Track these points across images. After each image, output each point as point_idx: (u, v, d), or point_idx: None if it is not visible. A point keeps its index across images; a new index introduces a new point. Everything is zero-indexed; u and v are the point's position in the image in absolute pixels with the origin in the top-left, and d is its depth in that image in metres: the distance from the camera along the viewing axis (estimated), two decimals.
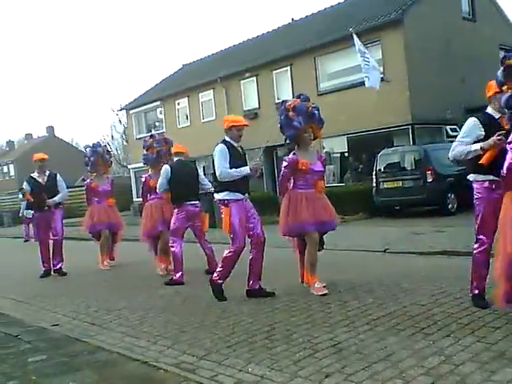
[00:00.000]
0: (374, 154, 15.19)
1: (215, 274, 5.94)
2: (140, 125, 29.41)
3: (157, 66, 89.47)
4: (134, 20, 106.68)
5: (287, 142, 6.17)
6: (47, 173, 9.32)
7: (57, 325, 5.38)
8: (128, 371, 3.85)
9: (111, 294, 7.00)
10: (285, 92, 20.54)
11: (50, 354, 4.36)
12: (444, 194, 13.24)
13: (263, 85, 21.44)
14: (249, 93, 22.22)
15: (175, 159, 7.72)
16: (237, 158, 5.83)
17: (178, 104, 25.88)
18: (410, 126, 17.01)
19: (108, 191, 9.83)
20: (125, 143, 40.71)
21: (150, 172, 8.59)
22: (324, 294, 5.60)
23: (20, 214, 18.67)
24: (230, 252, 5.79)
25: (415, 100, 16.78)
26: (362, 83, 15.43)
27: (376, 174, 14.55)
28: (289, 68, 20.37)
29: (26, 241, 18.32)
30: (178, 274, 7.25)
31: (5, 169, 59.54)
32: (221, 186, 5.78)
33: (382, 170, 14.55)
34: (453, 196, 13.31)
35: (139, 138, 28.39)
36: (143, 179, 8.45)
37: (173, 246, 7.36)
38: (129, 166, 30.82)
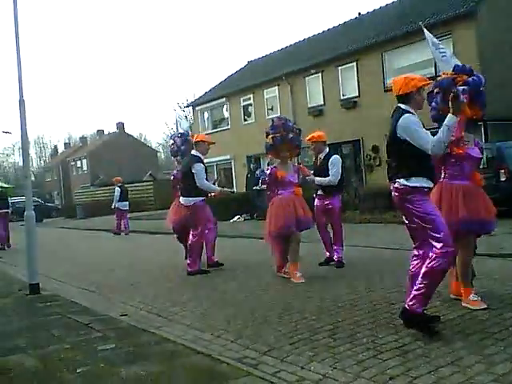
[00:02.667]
0: None
1: (411, 302, 4.17)
2: (206, 121, 29.85)
3: (223, 63, 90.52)
4: (202, 19, 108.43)
5: None
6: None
7: (125, 315, 5.56)
8: (192, 363, 3.92)
9: (177, 286, 7.16)
10: (350, 88, 20.29)
11: (119, 343, 4.51)
12: None
13: (328, 81, 21.25)
14: (313, 89, 22.08)
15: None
16: None
17: (243, 101, 26.07)
18: (482, 123, 16.36)
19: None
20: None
21: (275, 163, 7.52)
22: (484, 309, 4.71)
23: (112, 207, 18.50)
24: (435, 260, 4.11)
25: (488, 96, 15.92)
26: (431, 78, 14.96)
27: None
28: (355, 64, 20.07)
29: (115, 234, 17.84)
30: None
31: (78, 163, 62.08)
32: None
33: None
34: None
35: (205, 135, 28.86)
36: (268, 171, 7.28)
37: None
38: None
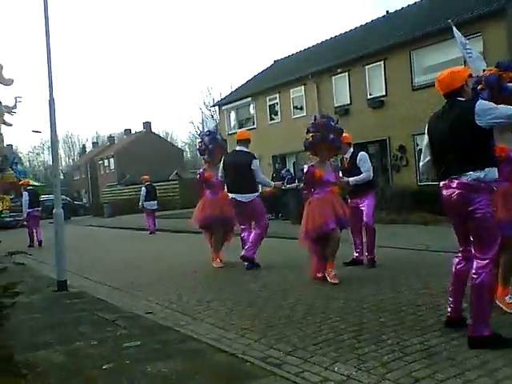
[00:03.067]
0: None
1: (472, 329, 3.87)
2: (232, 121, 29.92)
3: (249, 62, 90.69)
4: (228, 18, 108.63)
5: None
6: None
7: (150, 313, 5.62)
8: (216, 362, 3.94)
9: (202, 285, 7.20)
10: (377, 87, 20.09)
11: (144, 341, 4.56)
12: None
13: (355, 80, 21.07)
14: (340, 89, 21.92)
15: None
16: None
17: (269, 100, 26.05)
18: None
19: (221, 183, 8.97)
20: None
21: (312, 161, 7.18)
22: None
23: (139, 206, 18.20)
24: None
25: None
26: None
27: None
28: (382, 63, 19.85)
29: (151, 233, 17.56)
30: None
31: (105, 162, 62.88)
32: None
33: None
34: None
35: (231, 134, 28.96)
36: (305, 169, 6.95)
37: None
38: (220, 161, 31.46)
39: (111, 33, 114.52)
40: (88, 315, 5.73)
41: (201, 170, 9.32)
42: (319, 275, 6.83)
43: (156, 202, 18.25)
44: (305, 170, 6.93)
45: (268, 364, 3.78)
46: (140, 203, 18.06)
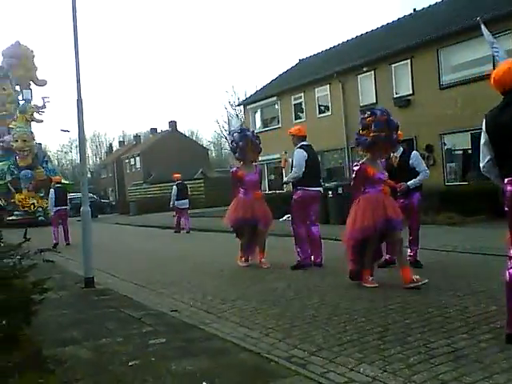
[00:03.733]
0: None
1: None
2: (257, 120, 29.93)
3: (274, 61, 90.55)
4: (254, 18, 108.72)
5: None
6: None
7: (175, 311, 5.65)
8: (240, 360, 3.94)
9: (227, 284, 7.22)
10: (404, 86, 19.87)
11: (169, 338, 4.59)
12: None
13: (381, 79, 20.88)
14: (366, 88, 21.75)
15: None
16: None
17: (294, 99, 25.99)
18: None
19: (255, 182, 8.85)
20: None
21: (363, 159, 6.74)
22: None
23: (170, 205, 17.94)
24: None
25: None
26: (490, 75, 14.48)
27: None
28: (409, 61, 19.62)
29: (176, 232, 17.35)
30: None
31: (132, 161, 63.56)
32: None
33: None
34: None
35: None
36: (356, 167, 6.57)
37: None
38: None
39: (139, 32, 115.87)
40: (114, 312, 5.80)
41: (234, 169, 9.12)
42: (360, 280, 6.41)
43: (187, 200, 17.85)
44: (356, 168, 6.51)
45: (292, 364, 3.77)
46: (171, 202, 17.74)
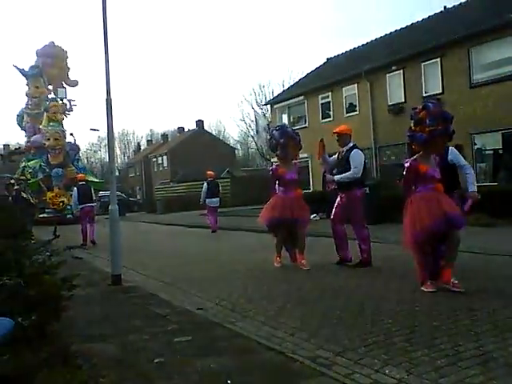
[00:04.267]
0: None
1: None
2: (284, 119, 29.87)
3: (302, 60, 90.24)
4: (282, 17, 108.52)
5: None
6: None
7: (201, 309, 5.68)
8: (265, 360, 3.95)
9: (252, 283, 7.21)
10: (434, 85, 19.59)
11: (194, 336, 4.62)
12: None
13: (410, 78, 20.62)
14: (394, 87, 21.51)
15: None
16: None
17: (321, 99, 25.86)
18: None
19: (296, 180, 8.54)
20: (269, 137, 41.62)
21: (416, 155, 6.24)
22: None
23: (200, 202, 17.44)
24: None
25: None
26: None
27: None
28: (439, 60, 19.34)
29: (213, 231, 16.75)
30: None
31: (159, 160, 64.14)
32: None
33: None
34: None
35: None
36: (407, 164, 6.13)
37: None
38: (272, 160, 31.50)
39: (167, 32, 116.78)
40: (141, 309, 5.86)
41: (273, 166, 8.80)
42: (430, 288, 5.90)
43: (218, 199, 17.34)
44: (407, 165, 6.11)
45: (317, 364, 3.76)
46: (201, 199, 17.36)
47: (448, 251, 6.03)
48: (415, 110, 6.15)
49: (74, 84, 32.77)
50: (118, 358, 4.16)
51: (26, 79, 31.55)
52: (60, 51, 32.36)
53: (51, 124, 29.64)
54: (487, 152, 18.65)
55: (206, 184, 17.36)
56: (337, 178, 7.90)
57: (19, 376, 3.29)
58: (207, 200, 17.06)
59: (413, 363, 3.63)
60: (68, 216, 25.75)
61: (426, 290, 5.87)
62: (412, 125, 6.14)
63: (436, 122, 5.87)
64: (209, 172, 18.09)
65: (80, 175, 17.08)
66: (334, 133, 8.13)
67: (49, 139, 29.35)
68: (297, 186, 8.55)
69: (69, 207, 26.95)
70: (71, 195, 16.81)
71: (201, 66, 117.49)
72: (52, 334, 4.05)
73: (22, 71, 31.40)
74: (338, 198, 8.07)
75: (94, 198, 15.52)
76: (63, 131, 30.49)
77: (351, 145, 8.02)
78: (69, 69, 32.74)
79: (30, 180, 28.68)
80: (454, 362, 3.59)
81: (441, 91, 19.22)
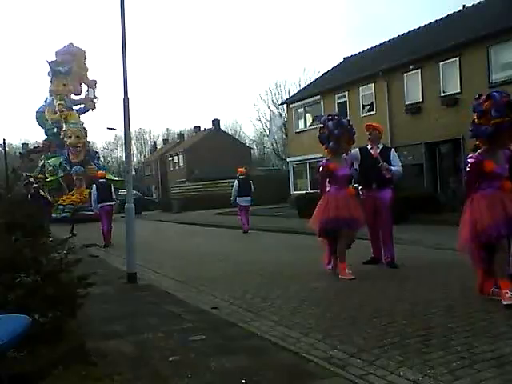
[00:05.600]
0: None
1: None
2: (300, 119, 29.81)
3: (319, 60, 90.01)
4: (298, 16, 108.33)
5: None
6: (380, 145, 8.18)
7: (216, 308, 5.70)
8: (279, 360, 3.94)
9: (267, 283, 7.21)
10: (452, 85, 19.40)
11: (209, 335, 4.63)
12: None
13: (428, 77, 20.43)
14: (412, 86, 21.31)
15: None
16: None
17: (338, 98, 25.75)
18: None
19: (348, 176, 7.70)
20: (284, 136, 41.62)
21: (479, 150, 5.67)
22: None
23: (231, 201, 16.65)
24: None
25: None
26: None
27: None
28: (457, 59, 19.13)
29: (245, 232, 15.85)
30: None
31: (175, 159, 64.36)
32: None
33: None
34: None
35: (298, 132, 28.86)
36: (471, 160, 5.57)
37: None
38: (288, 159, 31.51)
39: (185, 31, 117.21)
40: (156, 308, 5.90)
41: (324, 161, 7.76)
42: (494, 296, 5.37)
43: (250, 197, 16.31)
44: (471, 160, 5.55)
45: (332, 365, 3.75)
46: (232, 198, 16.49)
47: (497, 261, 5.33)
48: (478, 100, 5.49)
49: (93, 84, 33.06)
50: (132, 355, 4.18)
51: (54, 76, 31.53)
52: (79, 51, 32.65)
53: (72, 121, 29.90)
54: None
55: (236, 182, 16.49)
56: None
57: (35, 373, 3.33)
58: (238, 199, 16.20)
59: (428, 365, 3.60)
60: (84, 213, 25.79)
61: (504, 303, 5.05)
62: (475, 117, 5.51)
63: (503, 113, 5.25)
64: (240, 169, 17.19)
65: (100, 172, 16.49)
66: (371, 126, 8.05)
67: (70, 137, 29.58)
68: (348, 183, 7.77)
69: (84, 207, 26.93)
70: (90, 193, 16.74)
71: (218, 65, 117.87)
72: (68, 331, 4.09)
73: (53, 67, 31.41)
74: (364, 198, 8.03)
75: (114, 196, 14.95)
76: (84, 129, 30.76)
77: (383, 145, 8.09)
78: (87, 69, 33.03)
79: (48, 178, 28.95)
80: (470, 364, 3.56)
81: (459, 91, 19.03)
